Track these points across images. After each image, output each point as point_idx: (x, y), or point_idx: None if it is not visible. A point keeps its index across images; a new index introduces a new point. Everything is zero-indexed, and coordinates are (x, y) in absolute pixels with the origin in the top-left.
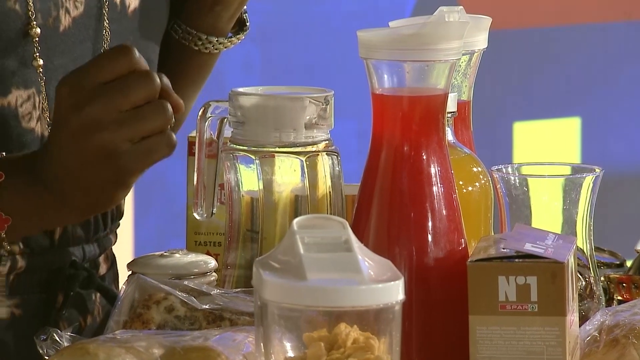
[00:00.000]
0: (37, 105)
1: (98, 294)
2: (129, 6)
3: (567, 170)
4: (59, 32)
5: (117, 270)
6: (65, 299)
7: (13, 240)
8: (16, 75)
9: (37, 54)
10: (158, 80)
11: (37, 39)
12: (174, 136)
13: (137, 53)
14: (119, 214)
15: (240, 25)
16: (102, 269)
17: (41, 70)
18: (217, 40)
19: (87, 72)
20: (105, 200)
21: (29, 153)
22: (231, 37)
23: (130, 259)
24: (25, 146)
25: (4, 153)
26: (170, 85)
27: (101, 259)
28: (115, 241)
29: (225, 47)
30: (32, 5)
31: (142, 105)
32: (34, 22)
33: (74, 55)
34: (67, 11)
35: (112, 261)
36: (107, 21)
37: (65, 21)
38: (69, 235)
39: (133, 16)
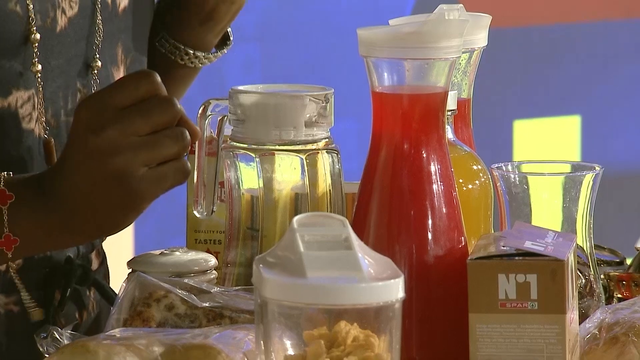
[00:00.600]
0: (35, 106)
1: (92, 290)
2: (119, 5)
3: (567, 168)
4: (55, 33)
5: (107, 267)
6: (64, 295)
7: (17, 260)
8: (17, 77)
9: (36, 60)
10: (178, 106)
11: (36, 44)
12: (188, 164)
13: (158, 78)
14: None
15: (223, 39)
16: (95, 265)
17: (39, 75)
18: (203, 56)
19: (108, 95)
20: (112, 225)
21: (37, 174)
22: (215, 52)
23: (130, 257)
24: (24, 147)
25: (11, 173)
26: (184, 112)
27: (93, 255)
28: (105, 237)
29: (210, 62)
30: (31, 6)
31: (160, 130)
32: (34, 28)
33: (69, 55)
34: (63, 11)
35: (102, 257)
36: (100, 20)
37: (61, 22)
38: None
39: (123, 15)
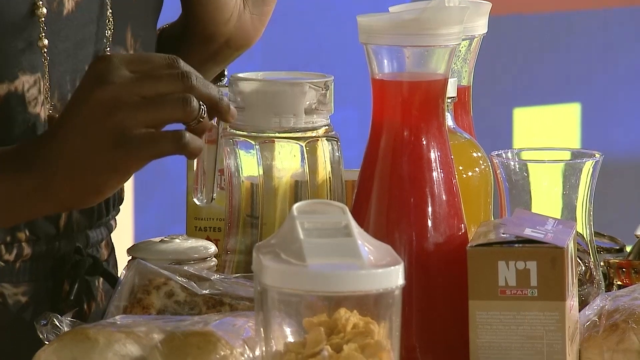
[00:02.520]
0: (41, 90)
1: (101, 280)
2: None
3: (567, 156)
4: (62, 16)
5: (115, 257)
6: (72, 286)
7: None
8: (23, 58)
9: (43, 34)
10: (194, 81)
11: (43, 19)
12: (187, 136)
13: (183, 63)
14: (120, 200)
15: (218, 76)
16: (104, 255)
17: (46, 50)
18: None
19: (128, 59)
20: (90, 190)
21: (23, 141)
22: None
23: (130, 245)
24: (31, 131)
25: None
26: (220, 103)
27: (102, 245)
28: (115, 227)
29: None
30: None
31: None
32: (40, 2)
33: (76, 39)
34: None
35: (111, 247)
36: (109, 4)
37: (68, 5)
38: (73, 222)
39: (136, 1)
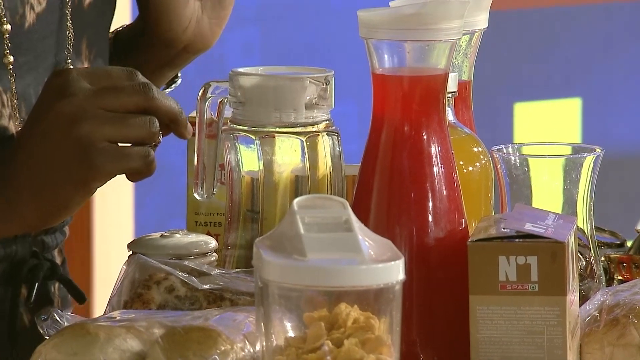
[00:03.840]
0: (5, 103)
1: (57, 286)
2: (85, 0)
3: (567, 150)
4: (24, 30)
5: (67, 269)
6: (31, 290)
7: None
8: None
9: (8, 51)
10: (154, 93)
11: (7, 35)
12: (153, 154)
13: (141, 75)
14: None
15: (172, 78)
16: (58, 262)
17: (11, 67)
18: None
19: (85, 71)
20: (56, 206)
21: None
22: (164, 88)
23: (130, 239)
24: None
25: None
26: (167, 102)
27: (56, 252)
28: (68, 234)
29: None
30: (1, 2)
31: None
32: (4, 19)
33: (37, 52)
34: (32, 7)
35: (63, 258)
36: (68, 16)
37: (30, 18)
38: None
39: (89, 10)
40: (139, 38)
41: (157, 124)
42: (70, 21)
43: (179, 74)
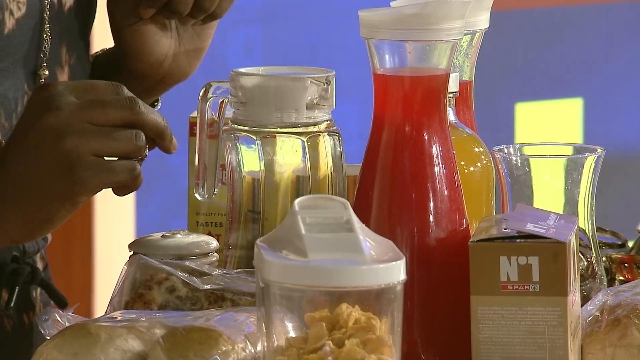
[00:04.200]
0: None
1: (38, 291)
2: (65, 4)
3: (569, 151)
4: (3, 35)
5: (49, 273)
6: (11, 295)
7: None
8: None
9: None
10: (139, 108)
11: None
12: (139, 168)
13: (127, 90)
14: None
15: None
16: (40, 267)
17: None
18: None
19: (72, 85)
20: (46, 219)
21: None
22: None
23: (131, 240)
24: None
25: None
26: (153, 117)
27: (37, 257)
28: (50, 239)
29: None
30: None
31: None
32: None
33: (16, 57)
34: (11, 13)
35: (45, 263)
36: (47, 21)
37: (9, 23)
38: None
39: (69, 14)
40: (116, 67)
41: (144, 138)
42: (49, 26)
43: (159, 98)
